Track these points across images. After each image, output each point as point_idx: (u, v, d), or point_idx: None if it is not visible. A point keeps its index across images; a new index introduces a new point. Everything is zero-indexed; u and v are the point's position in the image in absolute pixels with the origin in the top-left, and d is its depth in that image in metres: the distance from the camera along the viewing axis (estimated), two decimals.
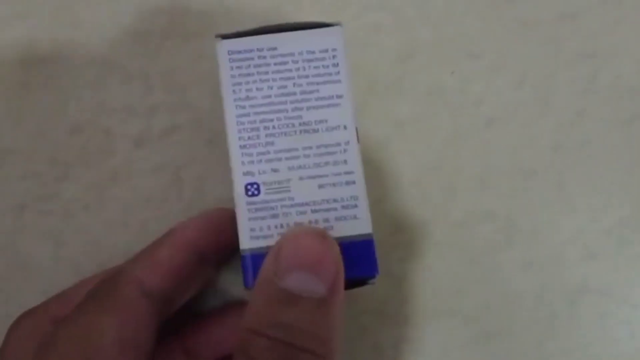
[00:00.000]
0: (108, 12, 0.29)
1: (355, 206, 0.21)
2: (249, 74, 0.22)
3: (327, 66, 0.22)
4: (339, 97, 0.22)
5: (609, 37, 0.32)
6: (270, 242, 0.21)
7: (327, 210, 0.21)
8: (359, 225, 0.21)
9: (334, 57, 0.22)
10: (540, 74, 0.32)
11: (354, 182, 0.22)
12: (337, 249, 0.19)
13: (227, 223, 0.25)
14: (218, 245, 0.25)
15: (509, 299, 0.30)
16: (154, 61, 0.29)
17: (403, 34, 0.31)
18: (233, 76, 0.22)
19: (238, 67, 0.22)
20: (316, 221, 0.21)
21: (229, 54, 0.22)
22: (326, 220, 0.21)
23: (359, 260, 0.21)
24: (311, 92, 0.22)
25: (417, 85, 0.31)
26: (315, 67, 0.22)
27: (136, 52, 0.29)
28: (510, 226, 0.31)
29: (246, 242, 0.21)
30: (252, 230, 0.21)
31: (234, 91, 0.22)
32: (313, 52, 0.23)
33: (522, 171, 0.31)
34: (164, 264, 0.23)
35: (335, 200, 0.22)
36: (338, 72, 0.22)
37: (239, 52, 0.22)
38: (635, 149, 0.31)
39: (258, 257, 0.21)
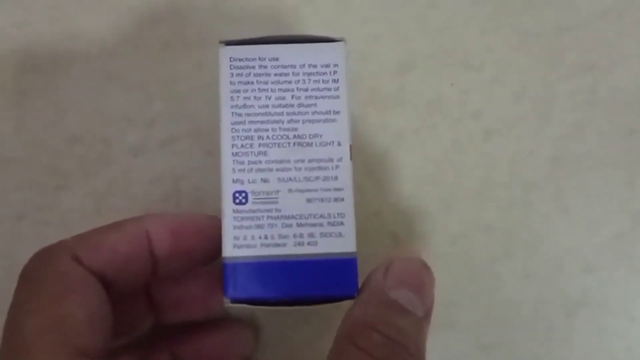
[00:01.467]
0: (107, 21, 0.29)
1: (342, 224, 0.22)
2: (248, 82, 0.22)
3: (327, 81, 0.22)
4: (336, 113, 0.22)
5: (608, 49, 0.32)
6: (253, 252, 0.21)
7: (313, 225, 0.22)
8: (344, 243, 0.21)
9: (334, 72, 0.22)
10: (540, 86, 0.32)
11: (342, 199, 0.22)
12: (434, 281, 0.22)
13: (198, 232, 0.23)
14: (178, 250, 0.23)
15: (507, 311, 0.30)
16: (153, 71, 0.29)
17: (402, 45, 0.31)
18: (232, 83, 0.22)
19: (238, 75, 0.22)
20: (301, 235, 0.21)
21: (230, 61, 0.22)
22: (311, 235, 0.21)
23: (340, 278, 0.21)
24: (309, 105, 0.22)
25: (417, 97, 0.31)
26: (315, 81, 0.22)
27: (136, 61, 0.29)
28: (509, 238, 0.31)
29: (229, 250, 0.21)
30: (236, 238, 0.21)
31: (231, 98, 0.22)
32: (315, 66, 0.23)
33: (521, 183, 0.31)
34: (108, 249, 0.22)
35: (322, 216, 0.22)
36: (337, 88, 0.22)
37: (241, 59, 0.22)
38: (634, 162, 0.31)
39: (240, 266, 0.21)
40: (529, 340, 0.30)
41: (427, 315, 0.21)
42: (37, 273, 0.21)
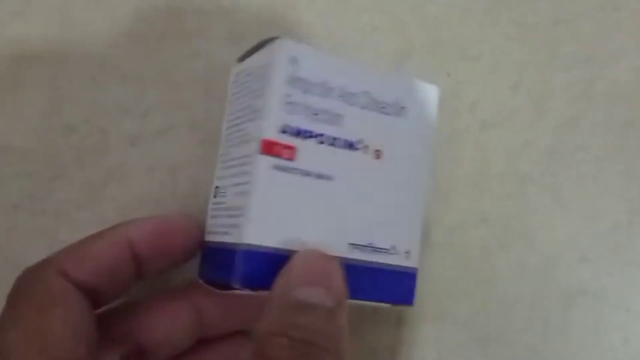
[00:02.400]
0: (104, 11, 0.29)
1: (241, 215, 0.22)
2: (238, 92, 0.25)
3: (261, 81, 0.23)
4: (258, 110, 0.22)
5: (605, 42, 0.32)
6: (214, 238, 0.24)
7: (235, 216, 0.23)
8: (242, 234, 0.22)
9: (267, 71, 0.23)
10: (536, 78, 0.32)
11: (247, 193, 0.22)
12: (341, 269, 0.22)
13: (177, 231, 0.24)
14: (160, 251, 0.24)
15: (503, 302, 0.30)
16: (149, 61, 0.29)
17: (399, 36, 0.31)
18: (233, 94, 0.25)
19: (237, 86, 0.25)
20: (224, 225, 0.23)
21: (235, 76, 0.25)
22: (232, 225, 0.23)
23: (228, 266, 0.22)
24: (250, 106, 0.23)
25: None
26: (257, 81, 0.23)
27: (132, 52, 0.29)
28: (505, 230, 0.31)
29: (205, 236, 0.25)
30: (210, 226, 0.25)
31: (229, 105, 0.25)
32: (262, 67, 0.23)
33: (517, 175, 0.31)
34: (93, 259, 0.22)
35: (236, 209, 0.23)
36: (264, 87, 0.22)
37: (239, 73, 0.25)
38: (630, 154, 0.31)
39: (209, 250, 0.24)
40: (525, 332, 0.30)
41: (340, 304, 0.21)
42: (23, 290, 0.21)
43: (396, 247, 0.24)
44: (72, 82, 0.29)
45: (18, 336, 0.20)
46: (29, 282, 0.22)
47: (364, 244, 0.23)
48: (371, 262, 0.23)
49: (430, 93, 0.25)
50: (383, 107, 0.24)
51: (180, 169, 0.29)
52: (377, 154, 0.23)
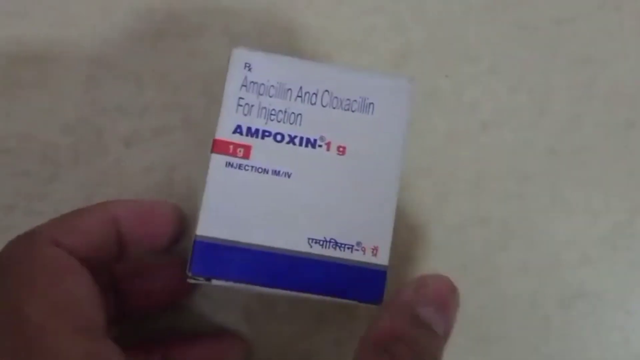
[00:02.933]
0: (101, 10, 0.29)
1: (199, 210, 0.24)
2: None
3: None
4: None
5: (606, 42, 0.32)
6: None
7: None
8: (196, 227, 0.23)
9: (225, 79, 0.24)
10: (537, 79, 0.32)
11: (204, 189, 0.24)
12: (459, 304, 0.23)
13: (161, 216, 0.25)
14: (143, 234, 0.24)
15: (504, 303, 0.30)
16: (146, 60, 0.29)
17: (398, 36, 0.31)
18: None
19: None
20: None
21: None
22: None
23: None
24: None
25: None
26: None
27: (129, 51, 0.29)
28: (505, 230, 0.31)
29: None
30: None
31: None
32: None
33: (517, 176, 0.31)
34: (80, 231, 0.22)
35: None
36: (222, 93, 0.24)
37: None
38: (631, 155, 0.31)
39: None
40: (526, 333, 0.30)
41: (446, 335, 0.23)
42: (22, 259, 0.21)
43: (362, 244, 0.23)
44: (69, 82, 0.29)
45: (43, 309, 0.19)
46: (27, 251, 0.21)
47: (326, 239, 0.23)
48: (333, 258, 0.23)
49: (401, 87, 0.24)
50: (347, 104, 0.24)
51: (177, 169, 0.29)
52: (341, 150, 0.24)
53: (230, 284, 0.23)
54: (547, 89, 0.32)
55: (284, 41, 0.30)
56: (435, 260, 0.30)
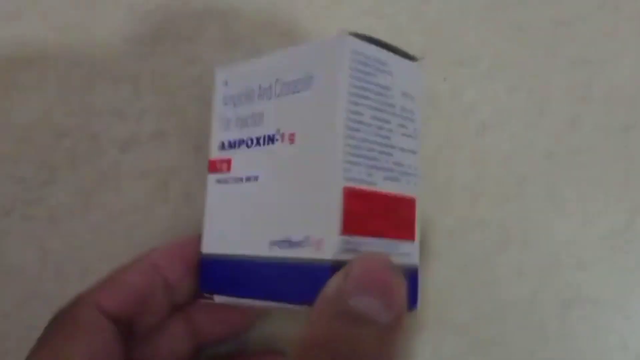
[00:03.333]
0: (98, 15, 0.29)
1: None
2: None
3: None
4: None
5: (604, 44, 0.32)
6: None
7: None
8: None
9: None
10: (535, 81, 0.32)
11: None
12: (404, 282, 0.19)
13: (197, 251, 0.25)
14: (186, 272, 0.25)
15: (502, 307, 0.30)
16: (143, 65, 0.29)
17: (395, 39, 0.31)
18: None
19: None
20: None
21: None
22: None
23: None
24: None
25: None
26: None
27: (126, 55, 0.29)
28: (503, 234, 0.31)
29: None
30: None
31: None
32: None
33: (515, 178, 0.31)
34: (124, 288, 0.23)
35: None
36: None
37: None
38: (629, 158, 0.31)
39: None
40: (523, 336, 0.30)
41: (397, 321, 0.19)
42: (54, 322, 0.23)
43: (310, 238, 0.20)
44: (65, 86, 0.29)
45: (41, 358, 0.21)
46: (61, 314, 0.23)
47: (282, 239, 0.21)
48: (287, 259, 0.21)
49: (335, 47, 0.21)
50: (294, 87, 0.22)
51: (173, 175, 0.29)
52: (291, 138, 0.22)
53: (226, 299, 0.23)
54: (546, 90, 0.32)
55: (282, 43, 0.30)
56: (434, 263, 0.30)
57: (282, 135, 0.22)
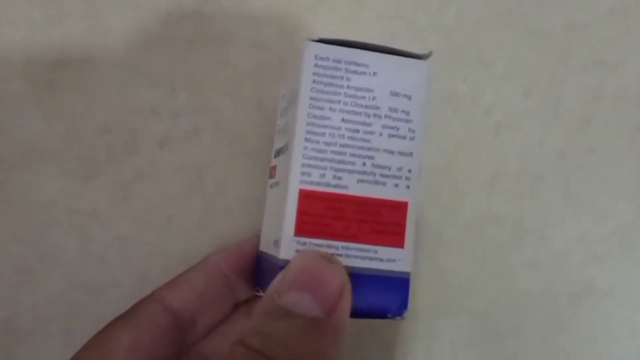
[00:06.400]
0: (135, 18, 0.30)
1: None
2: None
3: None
4: None
5: (616, 47, 0.33)
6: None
7: None
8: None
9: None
10: (549, 83, 0.32)
11: None
12: (343, 275, 0.19)
13: (255, 250, 0.27)
14: (245, 270, 0.26)
15: (516, 298, 0.31)
16: (178, 66, 0.30)
17: (416, 42, 0.32)
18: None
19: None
20: None
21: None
22: None
23: None
24: None
25: (430, 92, 0.32)
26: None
27: (162, 57, 0.30)
28: (518, 229, 0.31)
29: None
30: None
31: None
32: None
33: (530, 176, 0.32)
34: (188, 286, 0.25)
35: None
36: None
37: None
38: None
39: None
40: (537, 326, 0.31)
41: (329, 314, 0.18)
42: (125, 313, 0.24)
43: (275, 239, 0.21)
44: (105, 86, 0.30)
45: (86, 346, 0.23)
46: (132, 308, 0.25)
47: (275, 239, 0.22)
48: (272, 257, 0.22)
49: (303, 55, 0.21)
50: (289, 101, 0.23)
51: (207, 170, 0.30)
52: (286, 148, 0.23)
53: None
54: (559, 92, 0.32)
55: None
56: (451, 256, 0.31)
57: (286, 146, 0.23)
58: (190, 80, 0.30)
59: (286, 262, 0.20)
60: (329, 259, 0.20)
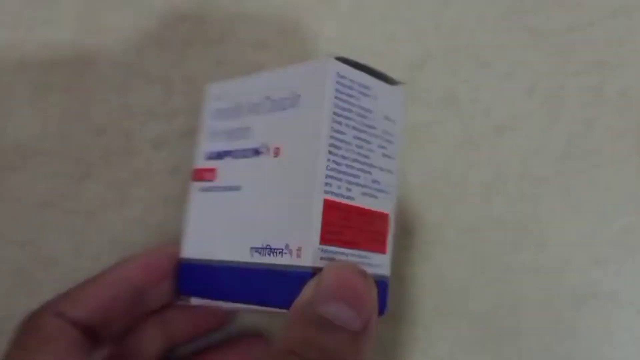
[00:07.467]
0: (132, 18, 0.30)
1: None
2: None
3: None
4: None
5: (617, 48, 0.33)
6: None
7: None
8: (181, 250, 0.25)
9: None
10: (550, 84, 0.32)
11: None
12: (375, 289, 0.20)
13: (167, 258, 0.25)
14: (155, 280, 0.25)
15: (517, 302, 0.31)
16: (175, 67, 0.30)
17: (416, 43, 0.32)
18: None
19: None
20: None
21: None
22: None
23: None
24: None
25: (430, 93, 0.32)
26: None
27: (158, 57, 0.30)
28: (519, 232, 0.31)
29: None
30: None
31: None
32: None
33: (531, 178, 0.32)
34: (89, 298, 0.24)
35: None
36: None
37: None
38: None
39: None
40: (538, 331, 0.30)
41: (366, 327, 0.19)
42: (19, 332, 0.23)
43: (289, 246, 0.22)
44: (101, 86, 0.30)
45: None
46: (27, 325, 0.23)
47: (262, 246, 0.22)
48: (268, 265, 0.22)
49: (320, 69, 0.22)
50: (282, 104, 0.23)
51: None
52: (276, 151, 0.23)
53: (203, 301, 0.24)
54: (560, 93, 0.32)
55: (306, 47, 0.31)
56: (450, 260, 0.31)
57: (268, 149, 0.23)
58: (186, 81, 0.30)
59: (316, 270, 0.21)
60: (364, 273, 0.20)
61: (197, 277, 0.24)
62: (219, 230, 0.24)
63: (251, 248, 0.23)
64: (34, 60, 0.30)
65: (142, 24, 0.30)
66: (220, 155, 0.25)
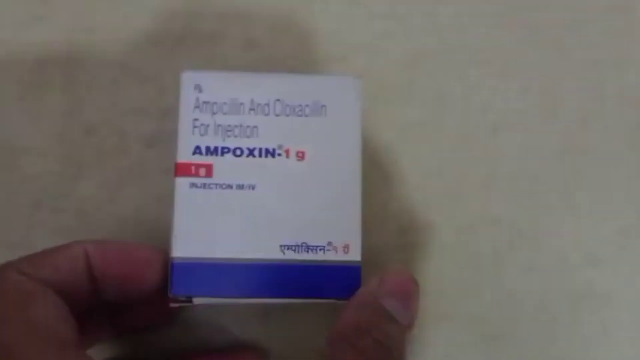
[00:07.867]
0: (124, 15, 0.30)
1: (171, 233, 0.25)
2: None
3: None
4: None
5: (615, 45, 0.33)
6: None
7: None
8: (171, 249, 0.24)
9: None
10: (547, 82, 0.32)
11: (172, 213, 0.24)
12: (419, 294, 0.24)
13: (138, 259, 0.24)
14: (109, 275, 0.24)
15: (512, 302, 0.31)
16: (167, 64, 0.30)
17: (411, 41, 0.32)
18: None
19: None
20: None
21: None
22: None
23: None
24: None
25: (424, 92, 0.31)
26: None
27: (150, 55, 0.30)
28: (515, 231, 0.31)
29: None
30: None
31: None
32: None
33: (527, 177, 0.31)
34: (49, 267, 0.23)
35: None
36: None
37: None
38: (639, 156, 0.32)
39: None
40: (533, 332, 0.30)
41: (410, 325, 0.24)
42: None
43: (333, 244, 0.24)
44: (92, 85, 0.30)
45: (14, 332, 0.20)
46: None
47: (297, 244, 0.24)
48: (307, 261, 0.24)
49: (349, 85, 0.25)
50: (300, 110, 0.25)
51: None
52: (300, 155, 0.24)
53: (211, 300, 0.24)
54: (557, 91, 0.32)
55: (298, 45, 0.31)
56: (445, 259, 0.31)
57: (287, 151, 0.25)
58: (179, 80, 0.30)
59: (361, 263, 0.24)
60: (416, 281, 0.24)
61: (197, 277, 0.24)
62: (231, 228, 0.24)
63: (281, 246, 0.24)
64: (25, 58, 0.30)
65: (134, 23, 0.30)
66: (215, 152, 0.24)
